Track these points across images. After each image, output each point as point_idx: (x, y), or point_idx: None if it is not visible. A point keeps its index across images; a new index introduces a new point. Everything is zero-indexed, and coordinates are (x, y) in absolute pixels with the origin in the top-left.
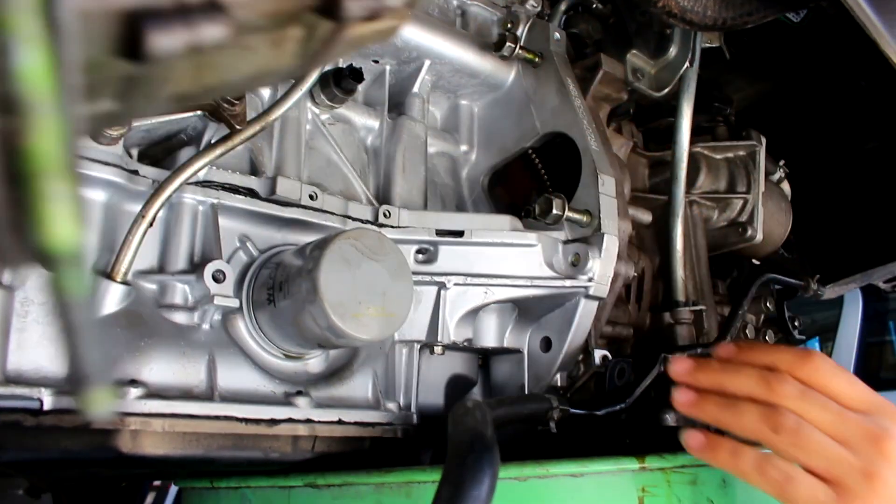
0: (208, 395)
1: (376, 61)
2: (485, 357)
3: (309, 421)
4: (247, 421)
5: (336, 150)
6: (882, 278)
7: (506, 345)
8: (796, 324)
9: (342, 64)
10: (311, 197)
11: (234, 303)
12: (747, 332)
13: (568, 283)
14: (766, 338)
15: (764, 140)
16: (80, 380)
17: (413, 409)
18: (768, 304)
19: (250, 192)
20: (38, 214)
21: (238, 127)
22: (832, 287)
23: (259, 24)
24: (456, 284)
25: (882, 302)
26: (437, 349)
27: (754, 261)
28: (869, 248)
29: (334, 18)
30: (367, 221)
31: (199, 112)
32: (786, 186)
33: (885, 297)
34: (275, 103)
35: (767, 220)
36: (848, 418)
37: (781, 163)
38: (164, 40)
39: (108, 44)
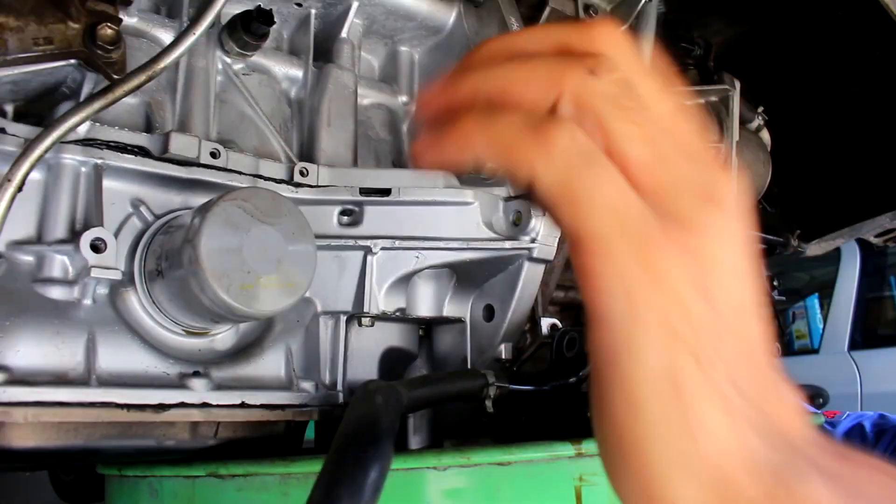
0: (84, 379)
1: (299, 4)
2: (428, 327)
3: (205, 405)
4: (129, 407)
5: (251, 102)
6: (872, 232)
7: (445, 314)
8: (775, 283)
9: (251, 6)
10: (212, 154)
11: (115, 274)
12: None
13: (508, 244)
14: None
15: (738, 84)
16: None
17: (340, 387)
18: None
19: (142, 151)
20: None
21: (116, 76)
22: (817, 243)
23: None
24: (383, 249)
25: (881, 257)
26: (366, 321)
27: None
28: (856, 200)
29: None
30: (282, 181)
31: (71, 60)
32: (765, 135)
33: (884, 252)
34: (163, 50)
35: (743, 171)
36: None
37: (760, 109)
38: None
39: None
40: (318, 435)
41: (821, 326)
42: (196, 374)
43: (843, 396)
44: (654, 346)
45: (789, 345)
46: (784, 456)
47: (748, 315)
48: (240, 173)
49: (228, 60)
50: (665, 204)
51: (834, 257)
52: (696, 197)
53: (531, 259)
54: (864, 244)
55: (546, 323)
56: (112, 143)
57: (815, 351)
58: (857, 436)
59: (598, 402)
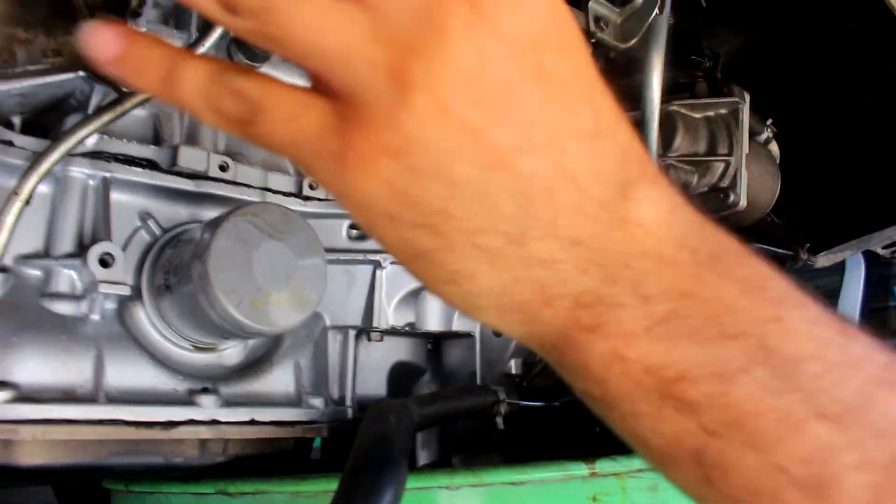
0: (92, 396)
1: None
2: (436, 342)
3: (215, 422)
4: (138, 424)
5: None
6: (880, 244)
7: (454, 328)
8: None
9: None
10: (221, 168)
11: (124, 290)
12: None
13: None
14: None
15: (748, 96)
16: None
17: (349, 402)
18: None
19: (150, 164)
20: None
21: (125, 90)
22: (825, 255)
23: None
24: (393, 263)
25: (885, 267)
26: (375, 335)
27: (738, 229)
28: (865, 212)
29: None
30: (290, 194)
31: (80, 73)
32: (774, 147)
33: (888, 263)
34: None
35: (752, 184)
36: None
37: (769, 122)
38: None
39: None
40: (325, 450)
41: None
42: (205, 390)
43: None
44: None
45: None
46: (596, 280)
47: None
48: (249, 186)
49: None
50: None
51: (838, 267)
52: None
53: None
54: (868, 254)
55: None
56: (120, 156)
57: None
58: None
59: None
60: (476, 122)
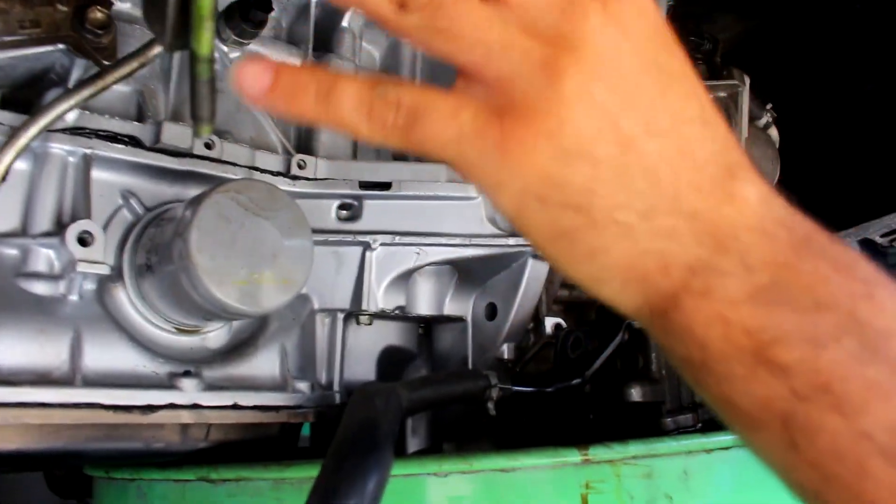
0: (69, 379)
1: None
2: (428, 325)
3: (196, 406)
4: (115, 408)
5: None
6: (878, 232)
7: (446, 312)
8: None
9: None
10: (206, 145)
11: (103, 269)
12: None
13: (512, 241)
14: None
15: (748, 79)
16: (198, 120)
17: (336, 386)
18: None
19: (133, 141)
20: (197, 35)
21: (106, 63)
22: None
23: None
24: (383, 244)
25: (881, 257)
26: (364, 318)
27: None
28: (864, 199)
29: None
30: (278, 173)
31: (59, 45)
32: (773, 132)
33: (883, 252)
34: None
35: None
36: None
37: (769, 106)
38: None
39: None
40: (314, 435)
41: None
42: (186, 373)
43: None
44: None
45: None
46: (707, 249)
47: (679, 114)
48: (235, 165)
49: (225, 49)
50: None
51: None
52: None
53: (535, 256)
54: (864, 243)
55: (550, 322)
56: (102, 132)
57: None
58: None
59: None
60: (612, 107)
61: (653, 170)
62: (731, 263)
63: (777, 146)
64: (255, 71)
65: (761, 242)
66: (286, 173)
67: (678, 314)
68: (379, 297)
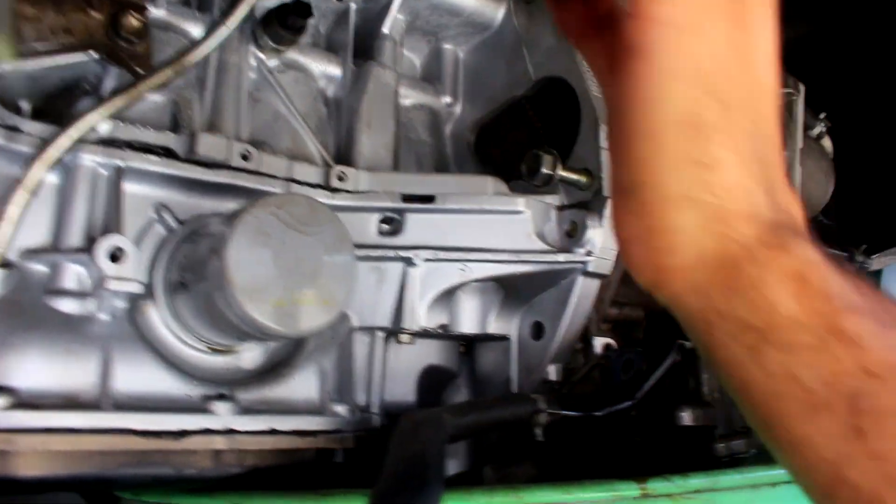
0: (97, 402)
1: None
2: (469, 344)
3: (231, 431)
4: (147, 434)
5: (285, 101)
6: None
7: (490, 331)
8: None
9: None
10: (243, 157)
11: (135, 287)
12: None
13: (562, 257)
14: None
15: (803, 88)
16: None
17: (376, 409)
18: None
19: (167, 153)
20: None
21: (141, 71)
22: (878, 257)
23: None
24: (426, 260)
25: None
26: (405, 337)
27: None
28: None
29: None
30: (318, 185)
31: (93, 53)
32: (827, 143)
33: None
34: (193, 44)
35: (806, 181)
36: None
37: (822, 116)
38: None
39: None
40: (348, 456)
41: None
42: (221, 396)
43: None
44: (686, 83)
45: None
46: (785, 219)
47: (770, 95)
48: (273, 177)
49: (262, 56)
50: None
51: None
52: None
53: (586, 273)
54: None
55: (599, 342)
56: (135, 144)
57: None
58: None
59: (618, 133)
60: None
61: (768, 128)
62: (806, 234)
63: (831, 157)
64: None
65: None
66: (326, 185)
67: (752, 267)
68: (421, 314)
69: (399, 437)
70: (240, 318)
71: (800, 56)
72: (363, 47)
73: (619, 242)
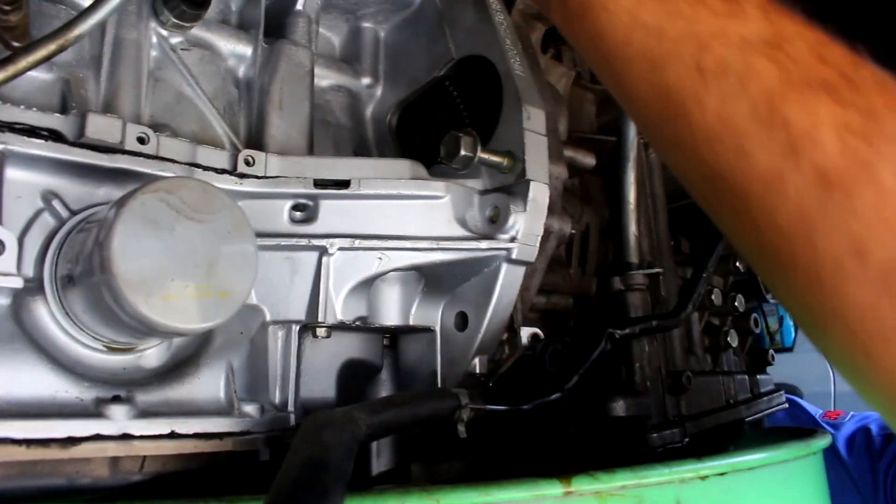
0: None
1: None
2: (392, 336)
3: (126, 437)
4: (29, 443)
5: (190, 81)
6: None
7: (412, 322)
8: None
9: None
10: (140, 140)
11: (16, 282)
12: (713, 297)
13: (485, 244)
14: (736, 303)
15: None
16: None
17: (291, 407)
18: (738, 265)
19: (55, 135)
20: None
21: (16, 44)
22: None
23: None
24: (341, 249)
25: None
26: (321, 331)
27: None
28: None
29: None
30: (223, 171)
31: None
32: None
33: None
34: (79, 15)
35: None
36: None
37: None
38: None
39: None
40: (273, 456)
41: (793, 324)
42: (116, 398)
43: (817, 395)
44: None
45: (761, 342)
46: None
47: None
48: (173, 161)
49: (164, 33)
50: None
51: None
52: None
53: (510, 261)
54: None
55: (526, 332)
56: (17, 125)
57: (790, 349)
58: (862, 441)
59: None
60: None
61: None
62: None
63: None
64: None
65: None
66: (232, 171)
67: None
68: (338, 306)
69: (299, 440)
70: (128, 314)
71: None
72: (275, 25)
73: None
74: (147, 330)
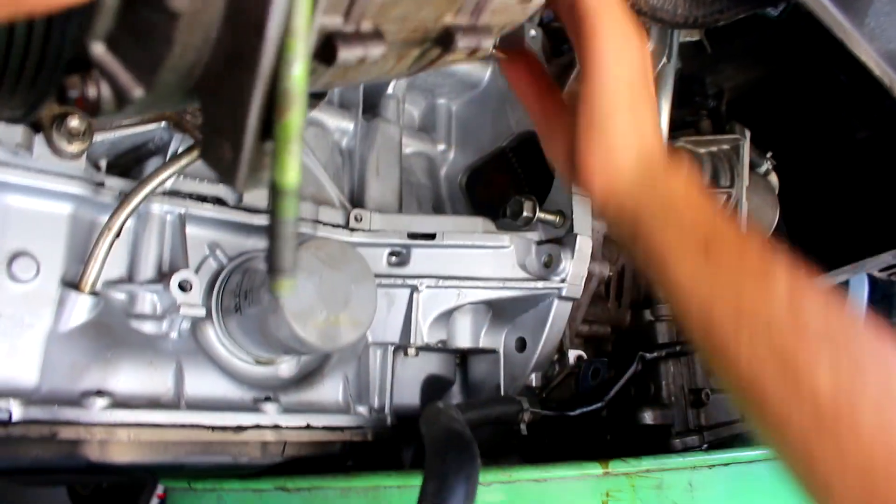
0: (175, 403)
1: None
2: (463, 356)
3: (276, 427)
4: (213, 428)
5: (309, 153)
6: (876, 268)
7: (481, 345)
8: None
9: None
10: None
11: (201, 312)
12: None
13: (541, 284)
14: None
15: (748, 133)
16: (276, 272)
17: (387, 410)
18: None
19: (218, 201)
20: (282, 163)
21: (200, 136)
22: (822, 279)
23: (397, 47)
24: (428, 287)
25: (889, 284)
26: (411, 351)
27: None
28: (860, 237)
29: (445, 49)
30: (338, 226)
31: (163, 123)
32: (773, 178)
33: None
34: None
35: (752, 213)
36: None
37: (769, 154)
38: (346, 53)
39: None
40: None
41: None
42: (268, 398)
43: None
44: (623, 67)
45: None
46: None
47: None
48: (302, 220)
49: None
50: None
51: (842, 285)
52: None
53: (560, 297)
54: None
55: (573, 354)
56: (194, 195)
57: None
58: None
59: (584, 102)
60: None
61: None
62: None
63: (777, 192)
64: None
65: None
66: (345, 225)
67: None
68: (424, 332)
69: (429, 417)
70: (289, 337)
71: (753, 99)
72: (371, 103)
73: (581, 168)
74: (301, 348)
